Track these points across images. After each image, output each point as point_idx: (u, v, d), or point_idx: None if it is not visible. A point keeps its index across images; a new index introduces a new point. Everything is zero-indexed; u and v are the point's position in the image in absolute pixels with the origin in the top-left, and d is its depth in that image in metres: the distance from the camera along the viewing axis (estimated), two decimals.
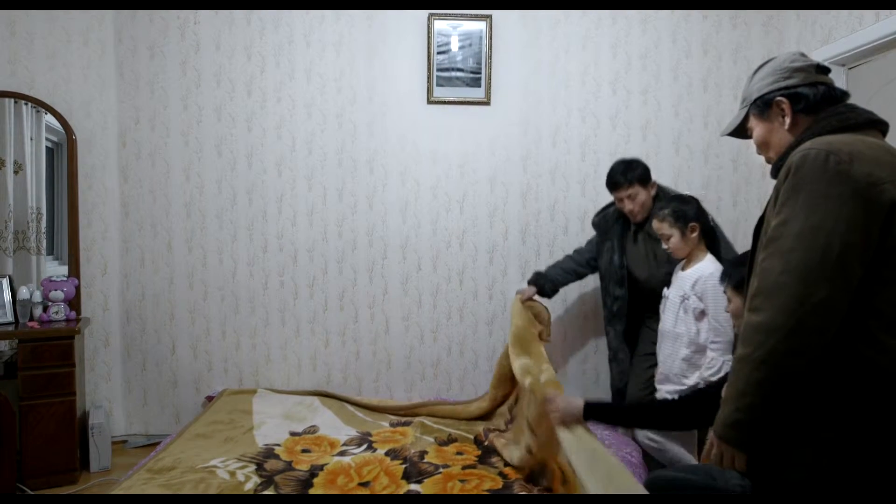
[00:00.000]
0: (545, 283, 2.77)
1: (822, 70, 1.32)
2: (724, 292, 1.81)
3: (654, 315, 2.52)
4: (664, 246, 2.29)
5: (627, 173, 2.49)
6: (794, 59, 1.32)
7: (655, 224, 2.29)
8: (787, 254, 1.09)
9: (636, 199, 2.50)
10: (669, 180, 3.07)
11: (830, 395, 1.12)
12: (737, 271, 1.75)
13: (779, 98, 1.30)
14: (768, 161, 1.38)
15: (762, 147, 1.36)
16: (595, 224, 2.79)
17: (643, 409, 1.78)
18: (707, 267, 2.20)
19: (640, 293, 2.60)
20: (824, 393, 1.12)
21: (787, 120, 1.29)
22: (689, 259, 2.28)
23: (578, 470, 1.77)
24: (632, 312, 2.63)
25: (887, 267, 1.09)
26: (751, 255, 1.31)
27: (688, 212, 2.25)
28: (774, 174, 1.28)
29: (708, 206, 3.13)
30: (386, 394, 3.22)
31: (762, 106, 1.33)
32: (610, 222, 2.68)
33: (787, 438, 1.15)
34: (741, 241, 3.19)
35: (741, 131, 1.43)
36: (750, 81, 1.38)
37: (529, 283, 2.81)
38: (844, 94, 1.30)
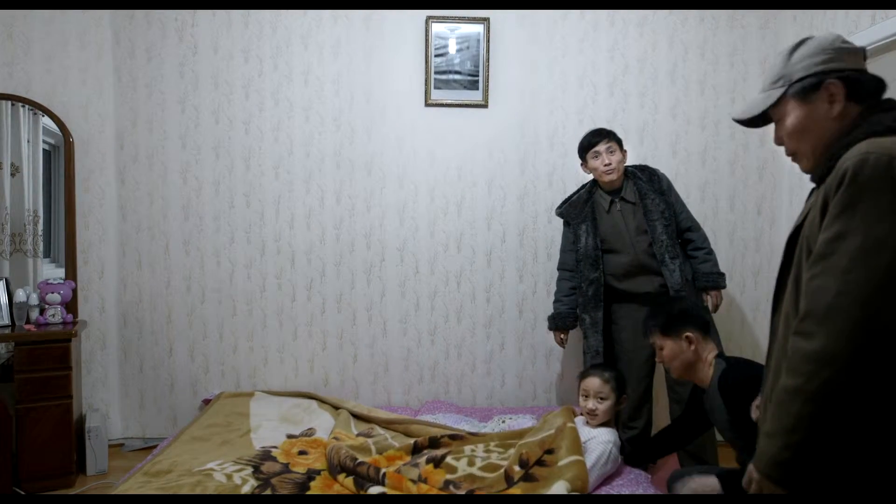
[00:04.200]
0: (566, 322, 2.77)
1: (865, 56, 1.19)
2: (648, 338, 1.81)
3: (630, 302, 2.56)
4: (591, 407, 2.16)
5: (605, 131, 2.58)
6: (842, 41, 1.16)
7: (598, 383, 2.18)
8: (843, 273, 0.97)
9: (615, 154, 2.54)
10: None
11: (888, 431, 1.01)
12: (662, 314, 1.75)
13: (831, 81, 1.13)
14: (791, 153, 1.21)
15: (796, 136, 1.18)
16: (562, 213, 2.74)
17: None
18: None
19: (621, 272, 2.58)
20: (881, 428, 1.01)
21: (838, 107, 1.13)
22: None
23: None
24: (608, 299, 2.64)
25: None
26: (781, 270, 1.19)
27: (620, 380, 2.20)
28: (819, 180, 1.13)
29: (705, 209, 3.18)
30: (384, 396, 3.21)
31: (808, 87, 1.15)
32: (580, 205, 2.67)
33: (838, 476, 1.04)
34: (738, 244, 3.21)
35: (759, 118, 1.25)
36: (788, 60, 1.19)
37: (551, 329, 2.83)
38: (884, 85, 1.16)
